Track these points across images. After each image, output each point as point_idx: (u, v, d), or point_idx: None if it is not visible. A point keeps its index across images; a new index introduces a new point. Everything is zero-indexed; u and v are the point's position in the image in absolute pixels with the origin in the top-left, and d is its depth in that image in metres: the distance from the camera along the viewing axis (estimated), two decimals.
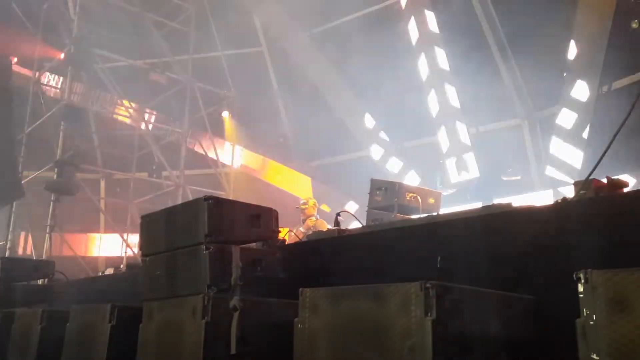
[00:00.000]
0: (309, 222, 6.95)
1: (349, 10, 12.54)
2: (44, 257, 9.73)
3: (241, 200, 3.32)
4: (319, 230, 4.86)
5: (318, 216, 7.30)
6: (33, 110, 12.02)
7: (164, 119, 14.55)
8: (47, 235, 10.09)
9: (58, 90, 13.17)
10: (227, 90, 14.46)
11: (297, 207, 7.26)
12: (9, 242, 11.35)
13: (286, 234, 4.53)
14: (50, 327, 4.01)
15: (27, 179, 11.39)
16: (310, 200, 7.41)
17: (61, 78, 12.81)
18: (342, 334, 2.14)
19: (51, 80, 13.50)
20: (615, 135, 2.91)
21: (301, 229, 6.84)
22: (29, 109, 12.02)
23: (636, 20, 6.43)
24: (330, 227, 6.58)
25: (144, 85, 13.19)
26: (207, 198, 2.93)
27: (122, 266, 6.79)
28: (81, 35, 10.80)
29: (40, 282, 6.18)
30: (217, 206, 2.94)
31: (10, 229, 11.29)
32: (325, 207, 12.31)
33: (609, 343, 1.49)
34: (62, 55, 12.17)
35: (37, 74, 12.52)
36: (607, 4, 8.90)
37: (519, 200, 3.07)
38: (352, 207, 10.58)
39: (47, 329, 4.01)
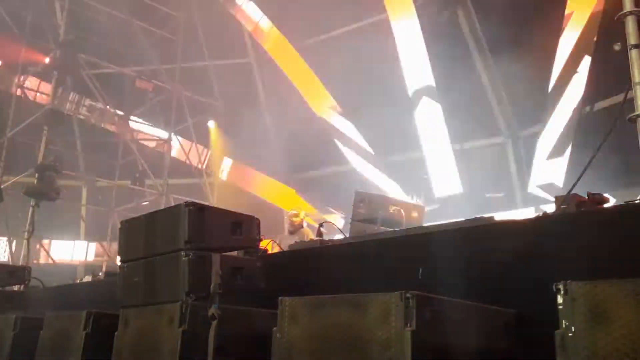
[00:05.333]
0: (306, 232, 6.79)
1: (337, 24, 12.64)
2: (20, 263, 9.53)
3: None
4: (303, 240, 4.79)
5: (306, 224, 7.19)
6: (15, 114, 11.87)
7: (149, 127, 14.45)
8: (24, 241, 9.90)
9: (42, 95, 13.01)
10: (214, 99, 14.45)
11: (288, 217, 7.07)
12: None
13: (269, 245, 4.47)
14: (24, 333, 3.89)
15: (7, 183, 11.20)
16: (301, 211, 7.32)
17: (46, 83, 12.68)
18: (321, 344, 2.10)
19: (35, 85, 13.34)
20: (595, 153, 2.95)
21: (296, 239, 6.64)
22: (11, 113, 11.86)
23: (619, 43, 6.53)
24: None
25: (130, 92, 13.12)
26: (188, 204, 2.88)
27: (100, 274, 6.66)
28: (68, 41, 10.72)
29: (15, 288, 6.04)
30: (198, 212, 2.89)
31: None
32: (309, 220, 12.27)
33: (587, 355, 1.48)
34: (47, 60, 12.07)
35: (21, 77, 12.37)
36: (590, 25, 9.08)
37: (502, 217, 3.07)
38: (336, 219, 10.57)
39: (20, 336, 3.90)
